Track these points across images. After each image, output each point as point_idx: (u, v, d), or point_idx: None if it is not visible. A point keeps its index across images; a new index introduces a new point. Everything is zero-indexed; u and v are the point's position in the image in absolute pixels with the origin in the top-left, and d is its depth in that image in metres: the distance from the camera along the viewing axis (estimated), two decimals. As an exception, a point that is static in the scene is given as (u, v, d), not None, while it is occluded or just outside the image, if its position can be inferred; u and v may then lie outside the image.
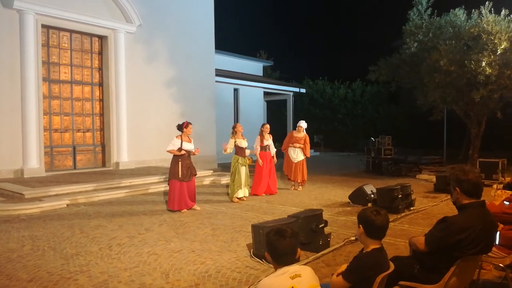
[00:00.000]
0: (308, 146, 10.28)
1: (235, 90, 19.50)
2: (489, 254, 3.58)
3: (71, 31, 12.09)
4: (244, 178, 8.81)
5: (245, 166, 8.91)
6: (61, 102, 12.06)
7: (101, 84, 12.86)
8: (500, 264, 3.77)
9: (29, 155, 10.79)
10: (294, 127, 11.83)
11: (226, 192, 9.38)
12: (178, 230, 6.47)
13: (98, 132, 12.90)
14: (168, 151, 7.82)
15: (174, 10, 14.25)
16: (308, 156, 10.36)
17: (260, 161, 9.43)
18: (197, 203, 8.11)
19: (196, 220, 7.10)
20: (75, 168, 12.16)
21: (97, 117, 12.87)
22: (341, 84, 27.97)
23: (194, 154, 8.02)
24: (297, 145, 10.15)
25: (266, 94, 21.90)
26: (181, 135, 7.85)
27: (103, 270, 4.68)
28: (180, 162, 7.75)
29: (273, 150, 9.80)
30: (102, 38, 12.78)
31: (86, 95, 12.63)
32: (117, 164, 12.58)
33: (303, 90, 23.91)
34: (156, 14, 13.69)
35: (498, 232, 3.87)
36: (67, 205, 8.27)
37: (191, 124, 7.93)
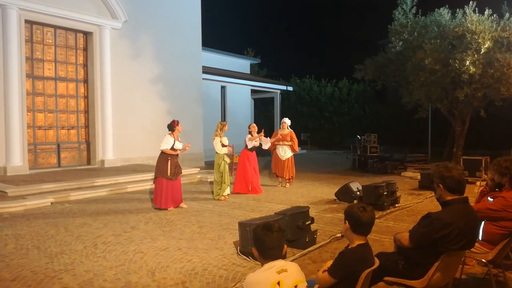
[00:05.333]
0: (296, 141, 10.33)
1: (222, 87, 19.45)
2: (472, 249, 3.63)
3: (56, 27, 11.91)
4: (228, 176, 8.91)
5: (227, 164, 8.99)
6: (45, 99, 11.88)
7: (86, 81, 12.69)
8: (483, 260, 3.83)
9: (12, 153, 10.60)
10: (282, 125, 11.85)
11: (213, 190, 9.35)
12: (164, 228, 6.44)
13: (83, 130, 12.73)
14: (162, 150, 7.73)
15: (160, 7, 14.14)
16: (297, 151, 10.39)
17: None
18: (184, 200, 8.09)
19: (182, 218, 7.07)
20: (59, 166, 11.99)
21: (81, 114, 12.70)
22: (328, 83, 28.14)
23: (185, 149, 8.00)
24: (286, 143, 10.21)
25: (253, 92, 21.89)
26: (173, 133, 7.81)
27: (88, 268, 4.63)
28: (169, 161, 7.72)
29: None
30: (87, 34, 12.61)
31: (71, 91, 12.46)
32: (102, 161, 12.45)
33: (290, 88, 23.99)
34: (142, 10, 13.56)
35: (481, 227, 3.92)
36: (52, 203, 8.16)
37: (179, 122, 7.95)
